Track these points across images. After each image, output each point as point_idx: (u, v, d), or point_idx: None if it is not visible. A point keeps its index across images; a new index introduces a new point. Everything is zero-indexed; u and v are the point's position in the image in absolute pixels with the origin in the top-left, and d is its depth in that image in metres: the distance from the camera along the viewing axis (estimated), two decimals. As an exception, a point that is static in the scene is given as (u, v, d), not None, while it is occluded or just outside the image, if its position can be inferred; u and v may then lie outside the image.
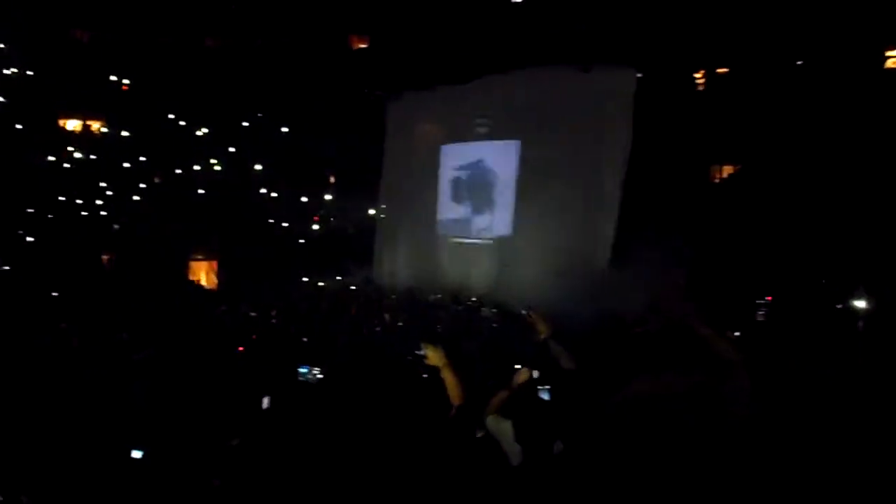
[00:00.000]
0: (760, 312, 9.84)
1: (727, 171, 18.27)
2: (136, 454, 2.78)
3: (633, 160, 15.04)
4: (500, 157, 17.66)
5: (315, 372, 3.89)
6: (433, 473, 2.86)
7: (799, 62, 16.08)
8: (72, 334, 9.41)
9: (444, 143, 19.29)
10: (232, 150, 23.61)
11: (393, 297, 17.69)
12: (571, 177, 15.78)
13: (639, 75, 15.33)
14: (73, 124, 23.87)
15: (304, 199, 23.85)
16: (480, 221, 18.17)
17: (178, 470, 3.07)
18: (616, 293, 12.15)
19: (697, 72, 17.94)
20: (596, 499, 3.03)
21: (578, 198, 15.64)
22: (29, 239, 18.08)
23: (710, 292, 12.13)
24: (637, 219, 14.44)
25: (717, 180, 18.27)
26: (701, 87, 18.11)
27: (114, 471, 2.66)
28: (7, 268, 16.77)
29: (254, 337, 9.68)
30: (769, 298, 10.30)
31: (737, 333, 8.48)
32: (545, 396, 4.07)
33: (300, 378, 3.73)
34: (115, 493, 2.57)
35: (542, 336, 4.68)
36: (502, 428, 3.65)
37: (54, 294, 15.39)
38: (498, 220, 17.71)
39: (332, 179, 24.90)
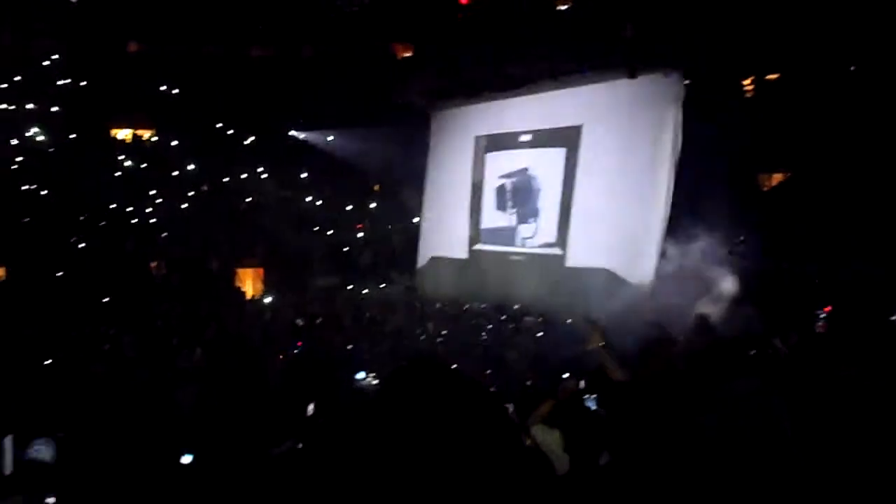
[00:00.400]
0: (819, 323, 9.60)
1: (776, 179, 17.96)
2: (186, 459, 2.79)
3: (680, 169, 14.79)
4: (546, 166, 17.52)
5: (370, 379, 3.89)
6: (478, 482, 2.81)
7: (852, 67, 15.76)
8: (125, 341, 9.58)
9: (489, 151, 19.24)
10: (278, 158, 23.86)
11: (436, 306, 17.70)
12: (619, 186, 15.59)
13: (686, 81, 15.10)
14: (123, 133, 24.34)
15: (348, 207, 23.99)
16: (525, 230, 18.04)
17: (226, 474, 3.08)
18: (661, 306, 12.01)
19: (746, 78, 17.68)
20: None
21: (624, 207, 15.43)
22: (81, 245, 18.43)
23: (762, 302, 11.91)
24: (684, 229, 14.24)
25: (765, 189, 17.97)
26: (749, 94, 17.84)
27: (163, 475, 2.66)
28: (61, 273, 17.11)
29: (299, 344, 9.75)
30: (827, 309, 10.04)
31: (793, 344, 8.28)
32: (592, 406, 4.02)
33: (355, 385, 3.73)
34: (165, 496, 2.58)
35: (594, 346, 4.61)
36: (549, 437, 3.61)
37: (105, 300, 15.68)
38: (543, 229, 17.57)
39: (376, 188, 25.02)
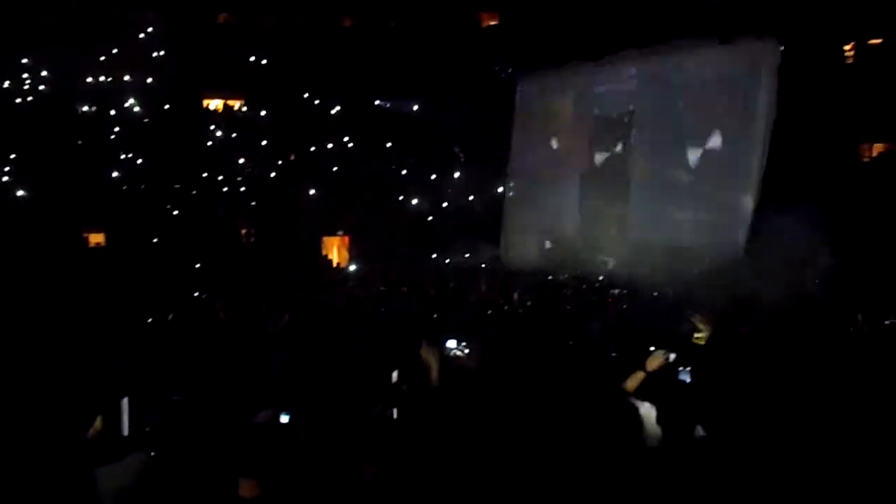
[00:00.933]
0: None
1: (878, 149, 17.18)
2: (284, 418, 2.84)
3: (776, 138, 14.26)
4: (634, 134, 17.19)
5: (464, 346, 3.89)
6: (572, 453, 2.80)
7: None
8: (220, 306, 9.87)
9: (574, 121, 18.96)
10: (364, 127, 24.06)
11: (521, 275, 17.64)
12: (709, 154, 15.18)
13: (783, 47, 14.50)
14: (215, 104, 24.93)
15: (433, 175, 24.05)
16: (612, 200, 17.77)
17: (320, 439, 3.14)
18: (751, 278, 11.67)
19: (847, 43, 16.91)
20: (739, 486, 2.91)
21: (716, 176, 15.01)
22: (175, 213, 19.04)
23: (859, 279, 11.50)
24: (779, 200, 13.76)
25: (866, 159, 17.22)
26: (850, 60, 17.08)
27: (257, 439, 2.72)
28: (156, 240, 17.73)
29: (382, 311, 9.85)
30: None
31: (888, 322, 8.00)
32: (686, 378, 3.95)
33: (446, 353, 3.73)
34: (257, 461, 2.63)
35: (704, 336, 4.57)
36: (641, 410, 3.56)
37: (198, 266, 16.19)
38: (629, 199, 17.27)
39: (462, 156, 25.00)
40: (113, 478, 2.76)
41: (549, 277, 16.85)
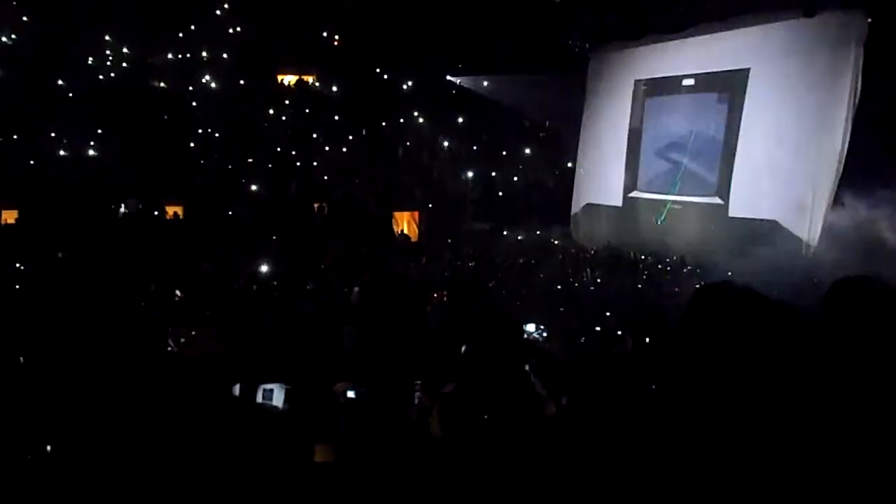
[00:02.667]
0: None
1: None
2: (351, 394, 2.90)
3: (861, 116, 13.69)
4: (710, 112, 16.78)
5: (542, 330, 3.87)
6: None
7: None
8: (294, 276, 10.07)
9: (649, 96, 18.63)
10: (435, 103, 24.07)
11: (592, 251, 17.52)
12: (788, 133, 14.68)
13: (870, 20, 13.89)
14: (289, 79, 25.23)
15: (504, 152, 23.98)
16: (685, 178, 17.45)
17: (391, 413, 3.18)
18: (823, 267, 11.33)
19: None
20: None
21: (794, 157, 14.53)
22: (254, 188, 19.39)
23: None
24: (863, 182, 13.25)
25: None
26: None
27: (324, 410, 2.78)
28: (231, 213, 18.10)
29: (444, 291, 9.86)
30: None
31: None
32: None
33: (525, 336, 3.72)
34: (324, 431, 2.70)
35: None
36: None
37: (273, 237, 16.50)
38: (704, 178, 16.92)
39: (533, 132, 24.81)
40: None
41: (620, 255, 16.71)
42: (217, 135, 21.51)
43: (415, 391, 3.22)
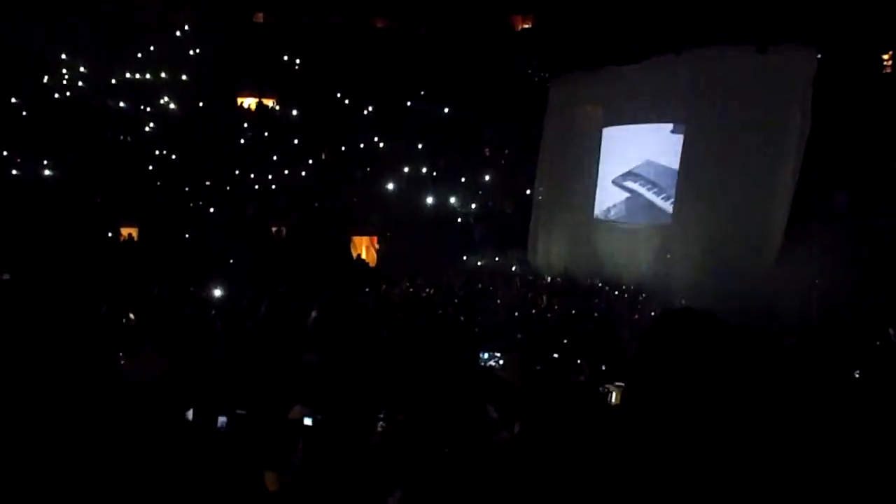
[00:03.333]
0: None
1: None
2: (308, 421, 2.88)
3: (811, 148, 14.07)
4: (664, 141, 17.07)
5: (497, 357, 3.89)
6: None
7: None
8: (246, 305, 9.94)
9: (606, 124, 18.89)
10: (395, 128, 24.14)
11: (548, 279, 17.61)
12: (739, 164, 14.96)
13: (819, 56, 14.32)
14: (248, 102, 25.14)
15: (462, 178, 24.07)
16: (640, 205, 17.68)
17: (346, 438, 3.16)
18: (779, 291, 11.55)
19: (885, 52, 16.68)
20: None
21: (747, 186, 14.83)
22: (211, 210, 19.20)
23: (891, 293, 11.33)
24: (811, 212, 13.58)
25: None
26: (888, 70, 16.84)
27: (281, 435, 2.75)
28: (187, 235, 17.89)
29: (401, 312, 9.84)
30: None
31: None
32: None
33: (481, 363, 3.74)
34: (280, 457, 2.67)
35: None
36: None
37: (231, 261, 16.32)
38: (658, 205, 17.18)
39: (492, 159, 24.98)
40: None
41: (577, 281, 16.83)
42: (174, 156, 21.31)
43: (378, 419, 3.21)
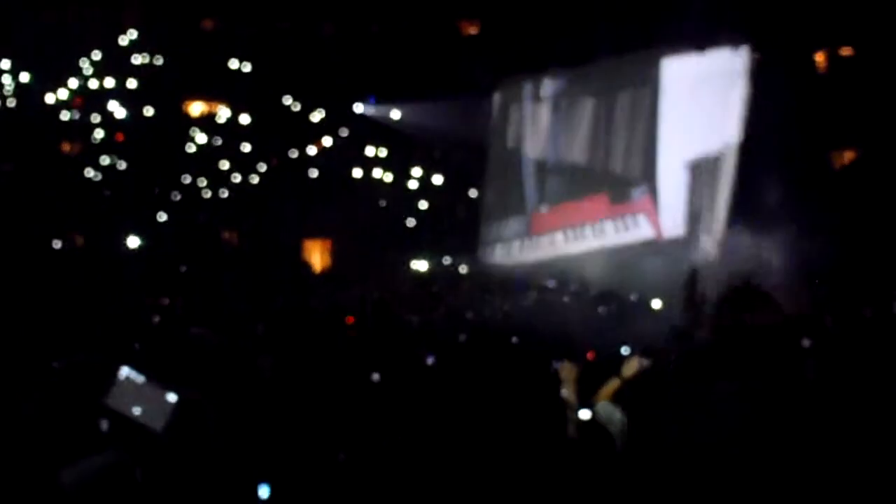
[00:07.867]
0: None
1: (849, 157, 17.57)
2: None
3: (747, 145, 14.60)
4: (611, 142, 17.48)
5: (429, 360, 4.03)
6: (539, 456, 2.99)
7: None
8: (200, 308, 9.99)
9: (553, 125, 19.22)
10: (345, 133, 24.17)
11: (498, 280, 17.87)
12: (684, 164, 15.49)
13: (758, 55, 14.84)
14: (197, 109, 24.93)
15: (412, 181, 24.21)
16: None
17: (305, 443, 3.31)
18: (712, 288, 11.94)
19: (818, 52, 17.27)
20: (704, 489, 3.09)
21: (687, 182, 15.34)
22: (161, 218, 19.06)
23: (830, 287, 11.76)
24: (748, 208, 14.06)
25: (837, 167, 17.61)
26: (822, 69, 17.44)
27: (242, 444, 2.87)
28: (137, 245, 17.76)
29: (350, 319, 9.96)
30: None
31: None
32: None
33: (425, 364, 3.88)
34: (239, 464, 2.79)
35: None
36: (614, 415, 3.73)
37: (182, 269, 16.26)
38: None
39: (441, 163, 25.13)
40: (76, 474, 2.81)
41: (528, 282, 17.12)
42: (122, 164, 21.10)
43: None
